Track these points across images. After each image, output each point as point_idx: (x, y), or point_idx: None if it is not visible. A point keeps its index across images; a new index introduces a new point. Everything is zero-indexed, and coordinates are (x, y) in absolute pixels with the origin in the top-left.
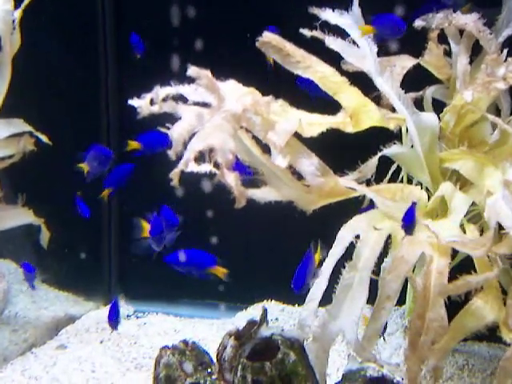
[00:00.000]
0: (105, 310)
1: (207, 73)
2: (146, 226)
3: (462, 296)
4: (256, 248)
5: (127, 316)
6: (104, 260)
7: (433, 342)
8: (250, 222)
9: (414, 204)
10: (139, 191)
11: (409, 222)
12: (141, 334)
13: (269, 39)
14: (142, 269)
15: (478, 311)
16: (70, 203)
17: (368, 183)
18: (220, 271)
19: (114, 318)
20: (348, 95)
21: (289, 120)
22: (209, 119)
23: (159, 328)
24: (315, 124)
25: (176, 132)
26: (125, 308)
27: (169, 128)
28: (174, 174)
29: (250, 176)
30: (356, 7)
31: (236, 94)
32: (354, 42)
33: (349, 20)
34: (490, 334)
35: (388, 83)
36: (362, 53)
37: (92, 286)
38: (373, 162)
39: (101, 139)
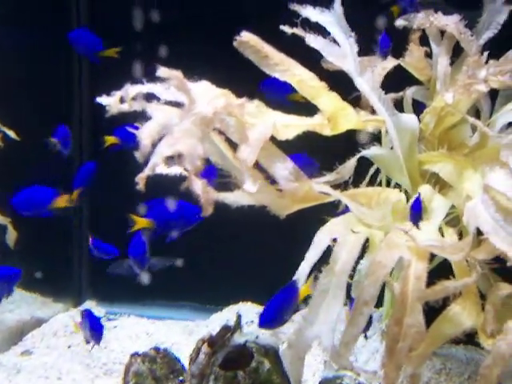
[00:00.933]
0: (74, 312)
1: (178, 74)
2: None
3: (439, 302)
4: (232, 249)
5: None
6: (74, 259)
7: (410, 349)
8: (226, 223)
9: (419, 195)
10: (110, 191)
11: (416, 210)
12: (111, 338)
13: (247, 39)
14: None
15: (456, 317)
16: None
17: (346, 186)
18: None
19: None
20: (326, 100)
21: (262, 126)
22: (178, 122)
23: (131, 331)
24: (292, 126)
25: (144, 133)
26: (95, 310)
27: (137, 128)
28: (140, 179)
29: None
30: (338, 5)
31: (208, 96)
32: (335, 41)
33: (330, 18)
34: (467, 338)
35: (368, 83)
36: (342, 52)
37: (61, 287)
38: (351, 163)
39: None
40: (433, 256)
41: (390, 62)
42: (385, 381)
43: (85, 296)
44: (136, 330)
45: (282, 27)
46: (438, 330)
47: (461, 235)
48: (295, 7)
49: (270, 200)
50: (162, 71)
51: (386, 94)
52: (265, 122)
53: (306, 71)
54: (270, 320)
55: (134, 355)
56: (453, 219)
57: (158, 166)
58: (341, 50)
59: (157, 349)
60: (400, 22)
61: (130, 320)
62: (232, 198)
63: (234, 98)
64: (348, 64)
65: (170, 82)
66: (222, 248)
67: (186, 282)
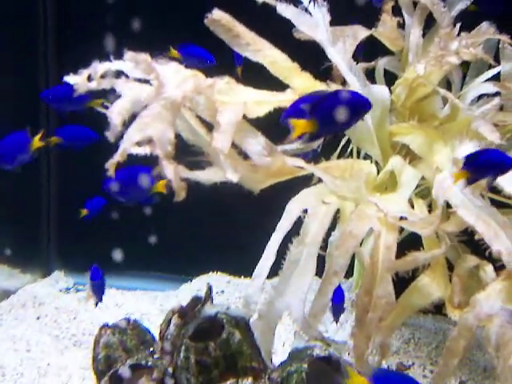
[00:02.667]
0: (43, 283)
1: (145, 57)
2: None
3: (409, 273)
4: (201, 219)
5: (66, 289)
6: (42, 229)
7: (380, 319)
8: (194, 194)
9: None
10: (79, 162)
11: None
12: (81, 309)
13: (218, 17)
14: (83, 239)
15: (425, 288)
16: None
17: (317, 160)
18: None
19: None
20: (299, 80)
21: (232, 109)
22: (148, 102)
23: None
24: (263, 103)
25: (115, 112)
26: (64, 281)
27: (107, 107)
28: (110, 164)
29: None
30: None
31: (177, 79)
32: (307, 10)
33: None
34: (436, 307)
35: (340, 54)
36: (314, 21)
37: (29, 258)
38: None
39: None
40: (402, 227)
41: (362, 32)
42: (355, 351)
43: (53, 266)
44: (105, 301)
45: None
46: (408, 301)
47: (430, 206)
48: None
49: (243, 175)
50: (128, 55)
51: (357, 64)
52: (235, 103)
53: (278, 52)
54: None
55: (104, 327)
56: (423, 190)
57: (128, 151)
58: (313, 19)
59: (127, 320)
60: None
61: None
62: (204, 176)
63: (203, 79)
64: (320, 34)
65: (138, 66)
66: (191, 219)
67: (155, 253)
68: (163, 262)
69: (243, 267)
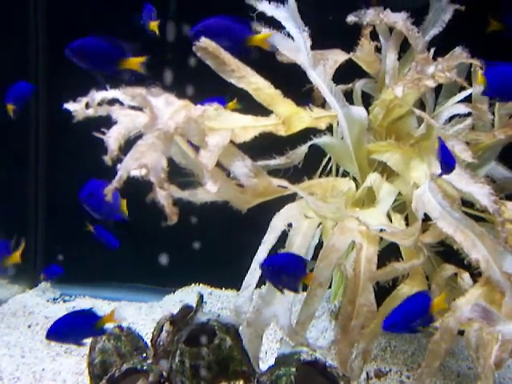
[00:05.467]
0: (31, 293)
1: (141, 92)
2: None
3: (389, 282)
4: (183, 231)
5: (54, 299)
6: (30, 242)
7: (362, 326)
8: (179, 208)
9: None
10: (68, 169)
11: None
12: None
13: (205, 45)
14: (69, 251)
15: (405, 296)
16: None
17: (300, 179)
18: None
19: None
20: (281, 106)
21: (220, 134)
22: (142, 136)
23: None
24: (249, 128)
25: (112, 138)
26: (50, 291)
27: (104, 133)
28: (108, 191)
29: None
30: (292, 1)
31: (169, 111)
32: (289, 35)
33: (284, 13)
34: None
35: (320, 76)
36: (296, 46)
37: (17, 269)
38: (302, 149)
39: None
40: (381, 239)
41: (342, 56)
42: (339, 356)
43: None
44: None
45: None
46: (389, 309)
47: (407, 220)
48: (251, 1)
49: (232, 196)
50: (126, 92)
51: (336, 85)
52: (223, 129)
53: (261, 79)
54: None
55: None
56: (399, 205)
57: (124, 178)
58: (295, 43)
59: (120, 327)
60: (351, 18)
61: (86, 301)
62: (196, 196)
63: (193, 109)
64: (302, 57)
65: (134, 100)
66: (174, 232)
67: (139, 265)
68: (147, 273)
69: (224, 279)
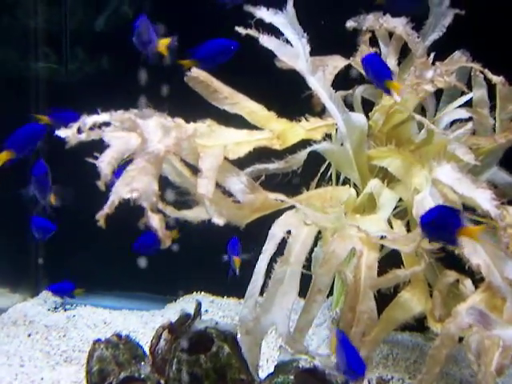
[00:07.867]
0: (32, 302)
1: (130, 116)
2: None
3: (391, 289)
4: (186, 240)
5: (55, 308)
6: (31, 250)
7: (363, 334)
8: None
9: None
10: (67, 186)
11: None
12: (70, 327)
13: (196, 75)
14: (70, 260)
15: (407, 303)
16: None
17: (298, 190)
18: None
19: None
20: (276, 126)
21: (213, 154)
22: (134, 152)
23: (89, 320)
24: (243, 143)
25: (104, 162)
26: (51, 300)
27: (97, 158)
28: (100, 216)
29: None
30: (290, 7)
31: (159, 133)
32: (288, 41)
33: (283, 19)
34: (412, 325)
35: (320, 83)
36: (295, 52)
37: (18, 278)
38: (301, 154)
39: None
40: (382, 245)
41: (341, 62)
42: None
43: (41, 286)
44: (94, 319)
45: (236, 28)
46: (390, 316)
47: (408, 226)
48: (249, 8)
49: (229, 213)
50: (116, 117)
51: (336, 91)
52: (215, 146)
53: (254, 103)
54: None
55: (98, 341)
56: (400, 211)
57: (116, 204)
58: (293, 50)
59: (119, 335)
60: (350, 24)
61: (87, 309)
62: (192, 215)
63: (184, 130)
64: (301, 64)
65: (124, 125)
66: (176, 240)
67: (141, 273)
68: (149, 282)
69: (226, 288)
